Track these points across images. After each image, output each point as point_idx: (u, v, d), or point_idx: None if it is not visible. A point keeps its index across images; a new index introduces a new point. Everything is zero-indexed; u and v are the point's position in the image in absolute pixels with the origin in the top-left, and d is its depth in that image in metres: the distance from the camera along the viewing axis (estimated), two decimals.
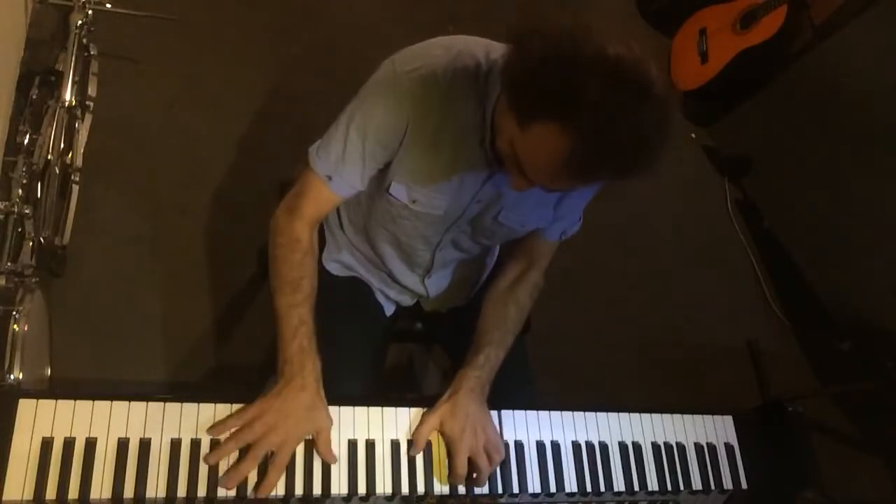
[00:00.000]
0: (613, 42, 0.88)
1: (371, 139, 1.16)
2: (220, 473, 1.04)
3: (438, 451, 1.17)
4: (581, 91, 0.87)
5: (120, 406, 1.04)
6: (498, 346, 1.28)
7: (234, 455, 1.05)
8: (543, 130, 0.93)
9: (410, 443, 1.15)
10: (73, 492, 0.98)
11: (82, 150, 2.02)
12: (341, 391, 1.39)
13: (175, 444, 1.04)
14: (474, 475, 1.16)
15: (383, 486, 1.11)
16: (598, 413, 1.26)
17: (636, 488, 1.23)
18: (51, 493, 0.97)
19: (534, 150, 0.97)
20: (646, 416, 1.29)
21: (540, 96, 0.92)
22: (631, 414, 1.28)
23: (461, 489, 1.14)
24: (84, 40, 2.03)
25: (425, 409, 1.18)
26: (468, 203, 1.25)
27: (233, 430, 1.06)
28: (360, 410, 1.17)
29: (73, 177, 1.92)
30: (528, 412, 1.22)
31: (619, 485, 1.22)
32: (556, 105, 0.90)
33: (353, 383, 1.34)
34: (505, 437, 1.20)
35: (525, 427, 1.21)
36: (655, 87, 0.89)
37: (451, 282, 1.53)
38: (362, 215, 1.38)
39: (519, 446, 1.20)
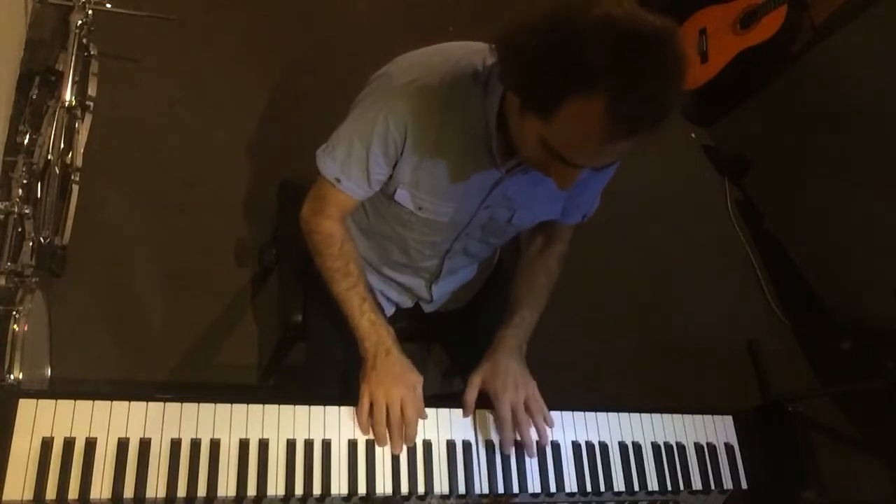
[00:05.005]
0: (594, 4, 0.90)
1: (373, 147, 1.17)
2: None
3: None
4: (591, 55, 0.88)
5: (120, 406, 1.04)
6: (532, 307, 1.32)
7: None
8: (572, 108, 0.92)
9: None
10: (73, 492, 0.98)
11: (82, 150, 2.02)
12: (341, 391, 1.39)
13: (175, 444, 1.04)
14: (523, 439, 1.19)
15: (383, 486, 1.11)
16: (598, 413, 1.27)
17: (636, 488, 1.23)
18: (51, 493, 0.97)
19: (570, 133, 0.96)
20: (646, 416, 1.29)
21: (554, 81, 0.92)
22: (631, 414, 1.28)
23: (461, 488, 1.14)
24: (84, 40, 2.03)
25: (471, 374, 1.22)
26: (476, 210, 1.25)
27: (366, 419, 1.15)
28: None
29: (73, 177, 1.93)
30: None
31: (619, 485, 1.22)
32: (574, 79, 0.90)
33: (352, 383, 1.35)
34: None
35: None
36: (654, 24, 0.89)
37: (456, 286, 1.53)
38: (367, 219, 1.38)
39: (519, 446, 1.20)
